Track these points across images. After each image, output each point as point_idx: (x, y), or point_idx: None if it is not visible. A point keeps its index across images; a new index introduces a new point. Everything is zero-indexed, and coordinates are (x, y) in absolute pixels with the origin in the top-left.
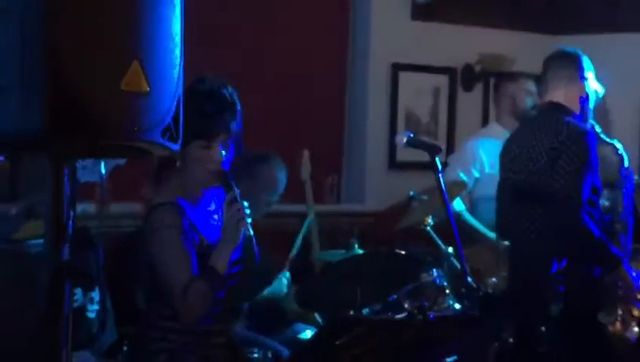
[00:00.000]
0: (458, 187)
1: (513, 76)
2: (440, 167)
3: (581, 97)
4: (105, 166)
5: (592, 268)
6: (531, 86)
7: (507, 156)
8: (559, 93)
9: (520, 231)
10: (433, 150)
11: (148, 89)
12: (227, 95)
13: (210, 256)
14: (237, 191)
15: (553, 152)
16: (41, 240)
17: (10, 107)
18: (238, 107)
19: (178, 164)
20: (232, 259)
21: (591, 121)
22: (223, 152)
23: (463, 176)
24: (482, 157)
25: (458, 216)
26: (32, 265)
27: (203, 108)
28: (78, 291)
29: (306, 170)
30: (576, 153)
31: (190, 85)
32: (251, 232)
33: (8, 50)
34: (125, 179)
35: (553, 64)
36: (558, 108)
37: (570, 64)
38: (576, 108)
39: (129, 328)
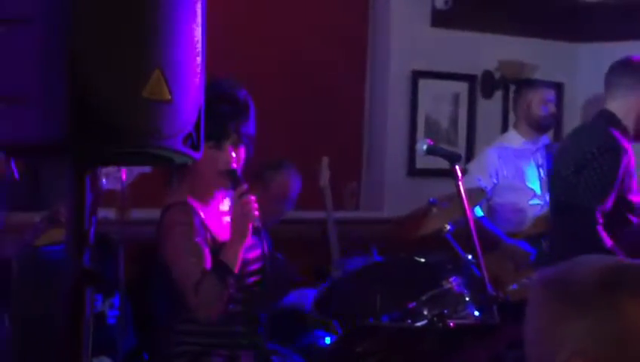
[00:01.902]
0: (478, 194)
1: (531, 83)
2: (460, 174)
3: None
4: (127, 173)
5: None
6: (549, 94)
7: (553, 158)
8: (615, 103)
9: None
10: (453, 158)
11: (169, 97)
12: (240, 97)
13: None
14: (245, 185)
15: (581, 162)
16: (62, 246)
17: (32, 115)
18: (251, 110)
19: (189, 164)
20: (249, 257)
21: None
22: (233, 154)
23: (481, 183)
24: (500, 164)
25: (476, 222)
26: (54, 271)
27: (215, 109)
28: (98, 297)
29: (325, 177)
30: (601, 167)
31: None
32: (259, 224)
33: (31, 59)
34: (146, 186)
35: (616, 71)
36: (607, 117)
37: (632, 73)
38: (630, 121)
39: (149, 334)
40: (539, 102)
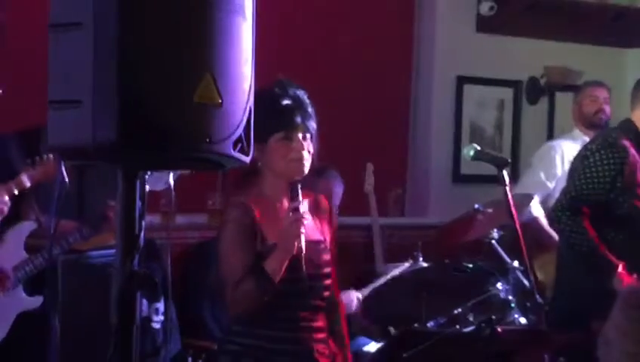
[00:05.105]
0: (525, 200)
1: (579, 85)
2: (507, 180)
3: None
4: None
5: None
6: (596, 90)
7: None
8: (636, 112)
9: None
10: (500, 163)
11: (220, 101)
12: (302, 94)
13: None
14: (298, 202)
15: (580, 158)
16: (107, 251)
17: (83, 120)
18: (312, 108)
19: (259, 164)
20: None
21: None
22: (304, 143)
23: (543, 178)
24: (564, 158)
25: (535, 220)
26: (100, 275)
27: (279, 103)
28: (143, 302)
29: (369, 183)
30: (595, 161)
31: (264, 87)
32: (303, 245)
33: (82, 64)
34: (190, 191)
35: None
36: (623, 124)
37: None
38: None
39: (193, 339)
40: (587, 101)
